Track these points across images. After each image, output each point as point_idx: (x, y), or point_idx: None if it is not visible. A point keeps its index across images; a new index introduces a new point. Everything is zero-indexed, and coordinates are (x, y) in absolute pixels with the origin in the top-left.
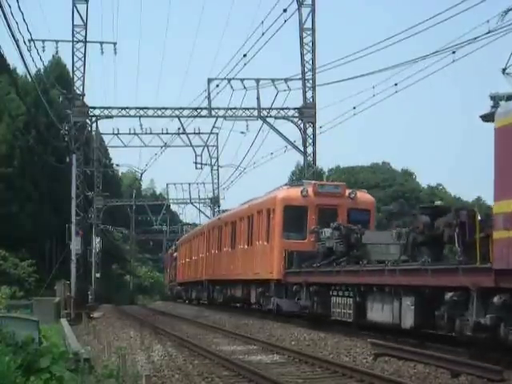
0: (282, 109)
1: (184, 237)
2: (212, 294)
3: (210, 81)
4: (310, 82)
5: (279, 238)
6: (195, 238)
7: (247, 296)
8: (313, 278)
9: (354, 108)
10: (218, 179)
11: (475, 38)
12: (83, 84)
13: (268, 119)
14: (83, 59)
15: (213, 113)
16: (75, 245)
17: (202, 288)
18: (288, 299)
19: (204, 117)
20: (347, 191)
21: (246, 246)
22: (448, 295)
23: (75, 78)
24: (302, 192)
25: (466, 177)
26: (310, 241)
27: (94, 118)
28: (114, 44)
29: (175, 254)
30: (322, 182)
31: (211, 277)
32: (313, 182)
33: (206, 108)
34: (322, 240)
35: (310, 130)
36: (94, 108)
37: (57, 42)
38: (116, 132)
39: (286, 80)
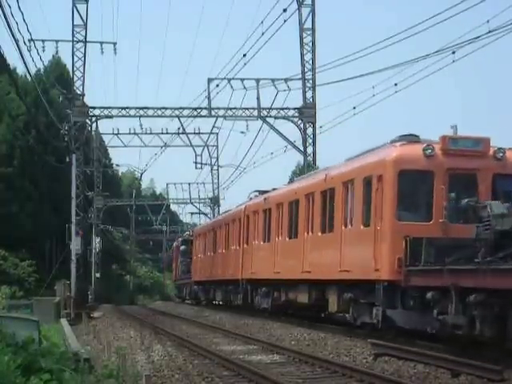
0: (282, 109)
1: (203, 226)
2: (251, 297)
3: (210, 81)
4: (310, 81)
5: (392, 218)
6: (223, 227)
7: (319, 302)
8: (473, 281)
9: (354, 108)
10: (218, 179)
11: (477, 37)
12: (83, 84)
13: (268, 119)
14: (83, 59)
15: (213, 113)
16: (75, 245)
17: (234, 289)
18: (410, 311)
19: (204, 117)
20: (491, 149)
21: (319, 234)
22: None
23: (75, 78)
24: (425, 150)
25: None
26: (439, 222)
27: (93, 118)
28: (114, 44)
29: (182, 248)
30: (455, 135)
31: (253, 276)
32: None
33: (205, 108)
34: (485, 220)
35: (309, 130)
36: (94, 108)
37: (57, 41)
38: (116, 132)
39: (286, 80)
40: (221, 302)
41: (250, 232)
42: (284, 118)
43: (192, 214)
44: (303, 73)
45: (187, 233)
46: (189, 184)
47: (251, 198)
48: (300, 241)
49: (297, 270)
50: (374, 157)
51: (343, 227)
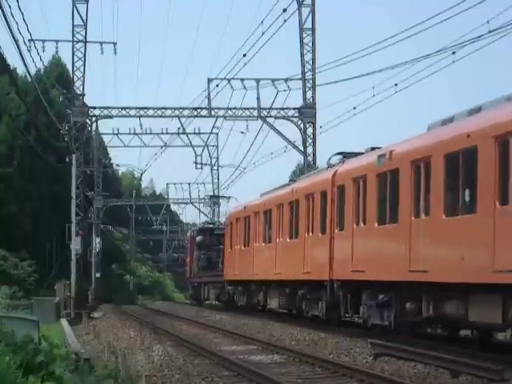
0: (282, 109)
1: (245, 207)
2: (345, 307)
3: (210, 81)
4: (310, 81)
5: None
6: (285, 206)
7: None
8: None
9: (354, 108)
10: (218, 179)
11: (479, 37)
12: (83, 84)
13: (268, 119)
14: (83, 59)
15: (213, 113)
16: (75, 245)
17: (311, 294)
18: None
19: (204, 117)
20: None
21: None
22: None
23: (75, 78)
24: None
25: None
26: None
27: (93, 118)
28: (114, 44)
29: (199, 239)
30: None
31: (359, 276)
32: None
33: (206, 108)
34: None
35: (309, 130)
36: (94, 108)
37: (57, 41)
38: (116, 132)
39: (286, 80)
40: (273, 308)
41: (347, 211)
42: (284, 118)
43: (211, 196)
44: (303, 73)
45: (207, 220)
46: (189, 184)
47: (331, 165)
48: (483, 217)
49: (473, 268)
50: None
51: None
